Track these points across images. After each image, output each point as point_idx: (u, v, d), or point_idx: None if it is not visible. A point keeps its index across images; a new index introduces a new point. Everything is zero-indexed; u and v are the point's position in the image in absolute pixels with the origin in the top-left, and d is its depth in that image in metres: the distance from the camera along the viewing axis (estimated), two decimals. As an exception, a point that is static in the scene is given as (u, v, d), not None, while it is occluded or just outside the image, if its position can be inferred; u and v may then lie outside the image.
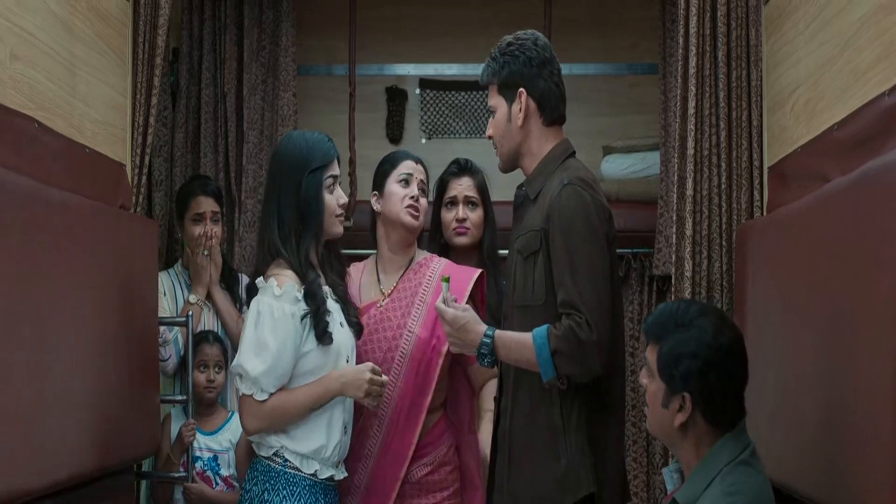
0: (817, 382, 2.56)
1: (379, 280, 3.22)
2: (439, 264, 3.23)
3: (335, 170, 2.92)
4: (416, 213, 3.16)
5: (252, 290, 2.88)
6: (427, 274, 3.18)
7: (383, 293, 3.18)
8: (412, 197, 3.16)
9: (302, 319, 2.78)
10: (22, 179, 2.55)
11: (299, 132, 2.98)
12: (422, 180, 3.21)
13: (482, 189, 3.56)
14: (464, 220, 3.51)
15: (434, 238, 3.58)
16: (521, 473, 2.73)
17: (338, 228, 2.93)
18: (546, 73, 2.81)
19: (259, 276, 2.87)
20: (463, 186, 3.54)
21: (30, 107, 2.72)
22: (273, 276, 2.81)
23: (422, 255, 3.27)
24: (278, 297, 2.77)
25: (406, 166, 3.21)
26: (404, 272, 3.20)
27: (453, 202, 3.55)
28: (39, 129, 2.77)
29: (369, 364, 2.88)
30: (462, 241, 3.51)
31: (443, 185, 3.59)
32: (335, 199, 2.90)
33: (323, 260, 2.94)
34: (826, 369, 2.49)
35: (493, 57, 2.86)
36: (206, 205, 3.94)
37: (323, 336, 2.80)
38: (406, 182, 3.18)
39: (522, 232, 2.79)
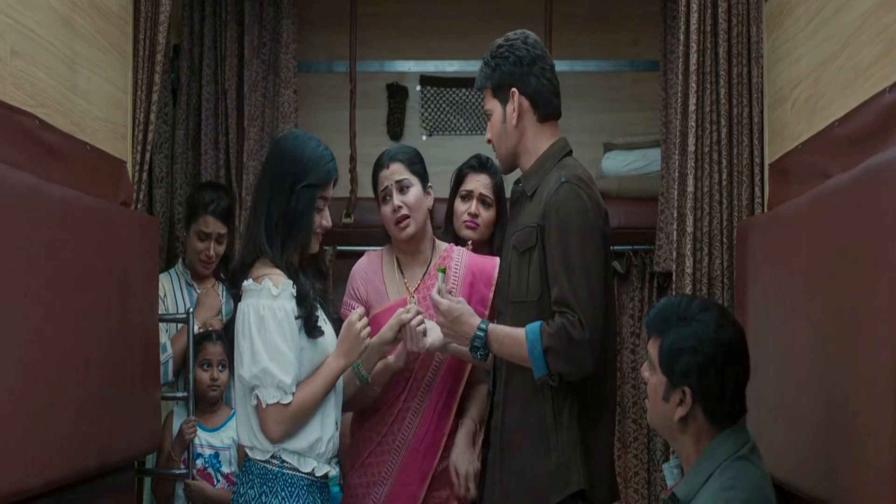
0: (818, 379, 2.56)
1: (403, 276, 3.22)
2: (461, 255, 3.24)
3: (329, 192, 2.89)
4: (405, 223, 3.14)
5: (238, 275, 2.84)
6: (451, 268, 3.19)
7: (409, 290, 3.18)
8: (394, 210, 3.14)
9: (296, 320, 2.77)
10: (22, 176, 2.55)
11: (307, 136, 2.92)
12: (397, 181, 3.16)
13: (498, 189, 3.54)
14: (476, 215, 3.50)
15: (448, 229, 3.57)
16: (512, 467, 2.75)
17: (315, 247, 2.91)
18: (537, 69, 2.81)
19: (244, 267, 2.84)
20: (480, 183, 3.52)
21: (30, 103, 2.72)
22: (265, 276, 2.78)
23: (442, 247, 3.26)
24: (276, 296, 2.74)
25: (380, 179, 3.19)
26: (428, 268, 3.20)
27: (469, 196, 3.53)
28: (40, 125, 2.77)
29: (349, 320, 2.86)
30: (470, 234, 3.50)
31: (460, 177, 3.57)
32: (321, 219, 2.88)
33: (304, 259, 2.92)
34: (826, 366, 2.49)
35: (485, 62, 2.88)
36: (213, 226, 3.97)
37: (314, 330, 2.80)
38: (386, 196, 3.17)
39: (518, 228, 2.80)
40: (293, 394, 2.74)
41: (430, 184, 3.24)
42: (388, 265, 3.24)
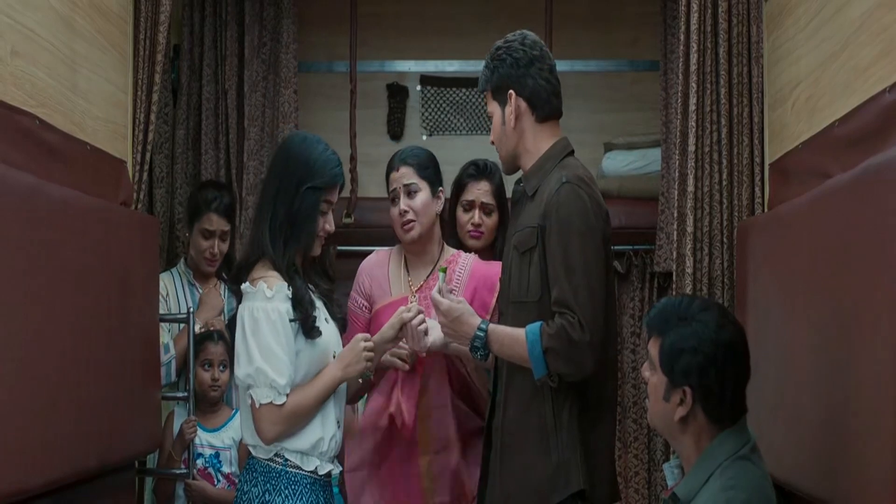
0: (818, 379, 2.56)
1: (409, 274, 3.24)
2: (467, 261, 3.26)
3: (334, 196, 2.90)
4: (409, 226, 3.17)
5: (241, 272, 2.86)
6: (455, 272, 3.21)
7: (412, 290, 3.20)
8: (400, 214, 3.17)
9: (291, 322, 2.78)
10: (23, 176, 2.55)
11: (315, 139, 2.93)
12: (405, 184, 3.18)
13: (499, 193, 3.52)
14: (479, 224, 3.49)
15: (452, 235, 3.55)
16: (512, 467, 2.75)
17: (317, 250, 2.91)
18: (534, 70, 2.81)
19: (247, 266, 2.85)
20: (481, 191, 3.49)
21: (31, 103, 2.72)
22: (260, 279, 2.79)
23: (450, 253, 3.28)
24: (270, 298, 2.75)
25: (390, 180, 3.23)
26: (432, 270, 3.21)
27: (471, 206, 3.50)
28: (40, 125, 2.77)
29: (357, 337, 2.89)
30: (475, 244, 3.50)
31: (460, 186, 3.54)
32: (324, 222, 2.88)
33: (306, 260, 2.92)
34: (827, 365, 2.49)
35: (485, 64, 2.89)
36: (218, 223, 3.95)
37: (311, 331, 2.80)
38: (394, 198, 3.21)
39: (519, 228, 2.80)
40: (287, 395, 2.75)
41: (441, 187, 3.25)
42: (396, 263, 3.27)
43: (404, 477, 3.13)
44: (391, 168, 3.24)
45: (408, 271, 3.25)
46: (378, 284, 3.23)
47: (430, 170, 3.23)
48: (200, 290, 4.02)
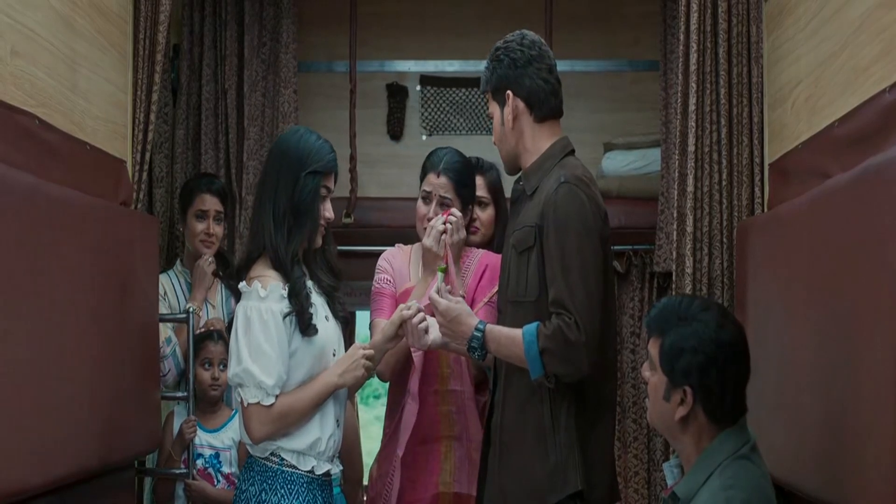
0: (818, 379, 2.56)
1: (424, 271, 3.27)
2: (476, 256, 3.30)
3: (331, 182, 2.91)
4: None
5: (242, 270, 2.87)
6: (464, 268, 3.25)
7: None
8: (429, 219, 3.20)
9: (285, 318, 2.78)
10: (22, 175, 2.55)
11: (308, 130, 2.95)
12: (441, 195, 3.21)
13: (494, 187, 3.53)
14: (475, 220, 3.50)
15: None
16: (510, 467, 2.76)
17: (317, 240, 2.93)
18: (532, 70, 2.81)
19: (249, 262, 2.86)
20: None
21: (30, 103, 2.72)
22: (256, 278, 2.81)
23: (466, 249, 3.32)
24: (263, 298, 2.77)
25: (427, 182, 3.25)
26: (446, 266, 3.25)
27: None
28: (40, 125, 2.77)
29: (355, 344, 2.92)
30: (474, 239, 3.50)
31: None
32: (323, 210, 2.89)
33: (309, 254, 2.93)
34: (827, 366, 2.49)
35: (486, 65, 2.89)
36: (211, 203, 3.96)
37: (307, 329, 2.81)
38: (426, 199, 3.24)
39: (518, 227, 2.80)
40: (277, 396, 2.76)
41: (471, 205, 3.31)
42: (416, 256, 3.31)
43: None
44: (432, 167, 3.24)
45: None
46: (397, 269, 3.28)
47: (467, 189, 3.27)
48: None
